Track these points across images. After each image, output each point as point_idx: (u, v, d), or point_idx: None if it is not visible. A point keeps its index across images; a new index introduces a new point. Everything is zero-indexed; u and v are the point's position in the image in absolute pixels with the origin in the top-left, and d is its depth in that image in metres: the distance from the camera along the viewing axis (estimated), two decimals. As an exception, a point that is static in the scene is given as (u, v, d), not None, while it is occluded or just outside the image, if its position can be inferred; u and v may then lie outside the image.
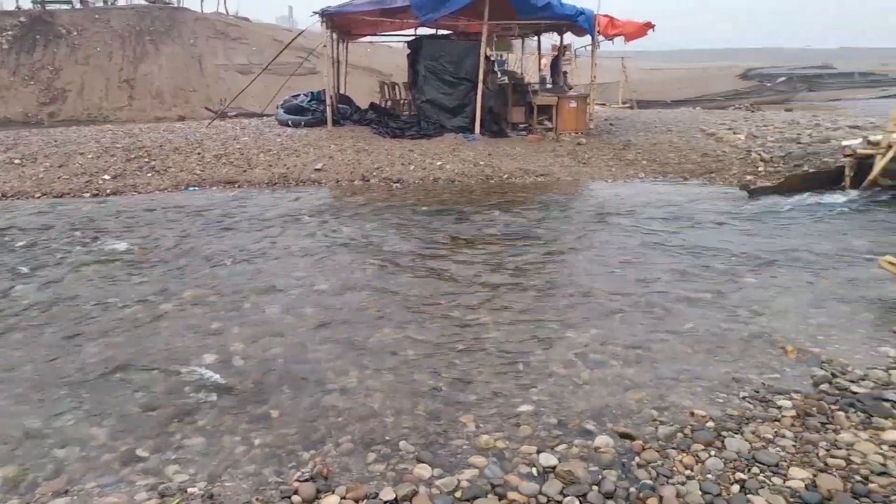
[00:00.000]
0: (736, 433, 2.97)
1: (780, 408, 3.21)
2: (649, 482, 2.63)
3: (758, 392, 3.42)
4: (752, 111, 17.50)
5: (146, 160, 10.81)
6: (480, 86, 12.42)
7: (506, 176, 10.45)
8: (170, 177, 10.17)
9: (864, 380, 3.50)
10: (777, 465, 2.68)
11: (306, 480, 2.73)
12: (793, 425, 3.03)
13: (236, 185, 9.99)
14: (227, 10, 32.43)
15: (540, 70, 17.37)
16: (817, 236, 6.88)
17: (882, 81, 37.14)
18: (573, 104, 13.23)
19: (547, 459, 2.81)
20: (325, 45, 13.08)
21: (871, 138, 9.05)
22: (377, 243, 6.78)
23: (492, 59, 14.11)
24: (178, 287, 5.45)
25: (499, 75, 14.55)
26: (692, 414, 3.20)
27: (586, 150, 11.97)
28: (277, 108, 14.59)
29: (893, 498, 2.40)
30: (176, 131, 13.25)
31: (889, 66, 47.44)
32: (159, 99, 27.67)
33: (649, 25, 13.06)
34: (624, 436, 3.00)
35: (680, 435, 2.99)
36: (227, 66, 29.32)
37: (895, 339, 4.14)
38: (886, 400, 3.19)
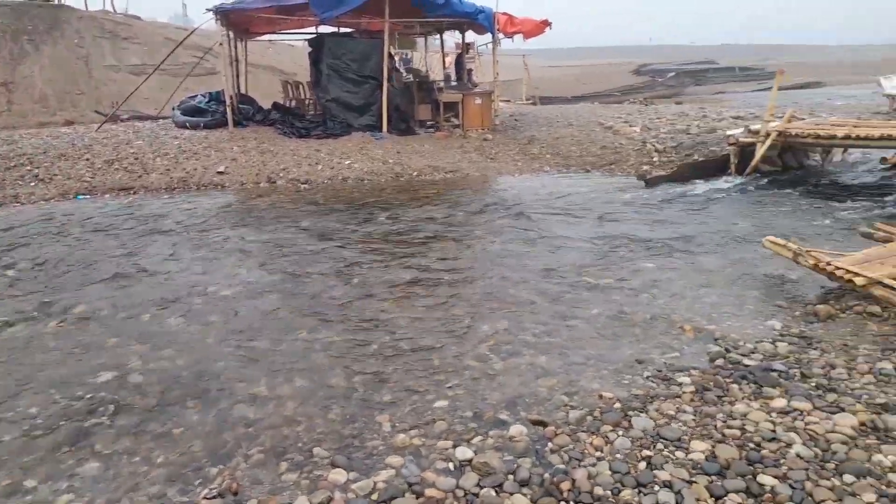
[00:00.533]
0: (641, 412, 3.10)
1: (680, 385, 3.38)
2: (562, 467, 2.69)
3: (660, 371, 3.59)
4: (646, 105, 18.40)
5: (28, 168, 10.01)
6: (385, 84, 12.35)
7: (415, 173, 10.46)
8: (56, 185, 9.47)
9: (754, 353, 3.74)
10: (679, 440, 2.81)
11: (214, 497, 2.61)
12: (692, 400, 3.19)
13: (131, 192, 9.44)
14: (114, 9, 30.47)
15: (445, 68, 17.49)
16: (708, 220, 7.32)
17: (759, 76, 40.00)
18: (478, 101, 13.41)
19: (463, 453, 2.82)
20: (220, 44, 12.57)
21: (752, 128, 9.73)
22: (285, 246, 6.59)
23: (396, 57, 14.06)
24: (69, 302, 5.07)
25: (404, 73, 14.52)
26: (600, 396, 3.31)
27: (493, 146, 12.16)
28: (174, 109, 13.90)
29: (782, 461, 2.58)
30: (61, 136, 12.34)
31: (766, 61, 51.24)
32: (42, 103, 25.62)
33: (546, 23, 13.44)
34: (537, 423, 3.06)
35: (589, 418, 3.09)
36: (118, 67, 27.60)
37: (780, 312, 4.46)
38: (774, 370, 3.42)
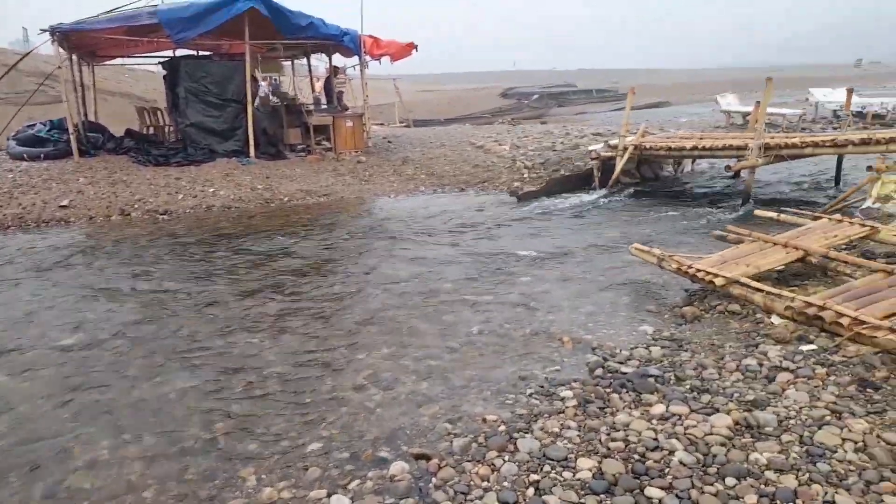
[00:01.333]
0: (526, 432, 2.98)
1: (563, 399, 3.31)
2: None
3: (542, 387, 3.50)
4: (514, 125, 19.03)
5: None
6: (250, 107, 11.79)
7: (286, 199, 10.01)
8: None
9: (630, 360, 3.77)
10: (566, 459, 2.71)
11: None
12: (576, 415, 3.12)
13: (-49, 234, 8.24)
14: (-60, 33, 27.13)
15: (314, 92, 17.10)
16: (578, 232, 7.53)
17: (614, 97, 42.98)
18: (349, 123, 13.17)
19: (339, 502, 2.54)
20: (60, 67, 11.44)
21: (611, 143, 10.25)
22: (139, 283, 5.96)
23: (264, 81, 13.51)
24: None
25: (270, 97, 13.99)
26: (484, 420, 3.16)
27: (367, 168, 11.96)
28: (8, 140, 12.43)
29: (667, 470, 2.54)
30: None
31: (619, 84, 55.25)
32: None
33: (412, 46, 13.51)
34: (419, 457, 2.84)
35: (474, 445, 2.92)
36: (-56, 96, 24.58)
37: (651, 317, 4.58)
38: (650, 376, 3.45)
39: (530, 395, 3.43)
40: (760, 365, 3.44)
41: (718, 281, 4.45)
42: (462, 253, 6.68)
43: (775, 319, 4.00)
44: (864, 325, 3.42)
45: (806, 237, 4.99)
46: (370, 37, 12.85)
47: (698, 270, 4.66)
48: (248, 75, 11.69)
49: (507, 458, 2.77)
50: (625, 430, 2.89)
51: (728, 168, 7.86)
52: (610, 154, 10.09)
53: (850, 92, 8.92)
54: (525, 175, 11.10)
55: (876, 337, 3.33)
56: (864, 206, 6.38)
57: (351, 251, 7.06)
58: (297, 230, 8.08)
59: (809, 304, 3.80)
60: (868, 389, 3.03)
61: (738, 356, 3.61)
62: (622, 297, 5.06)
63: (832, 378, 3.19)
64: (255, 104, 12.02)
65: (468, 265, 6.21)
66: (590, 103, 42.27)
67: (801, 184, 9.86)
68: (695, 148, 8.92)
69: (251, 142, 11.90)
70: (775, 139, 7.95)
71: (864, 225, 5.03)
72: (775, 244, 4.92)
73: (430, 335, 4.45)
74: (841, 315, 3.57)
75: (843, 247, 4.98)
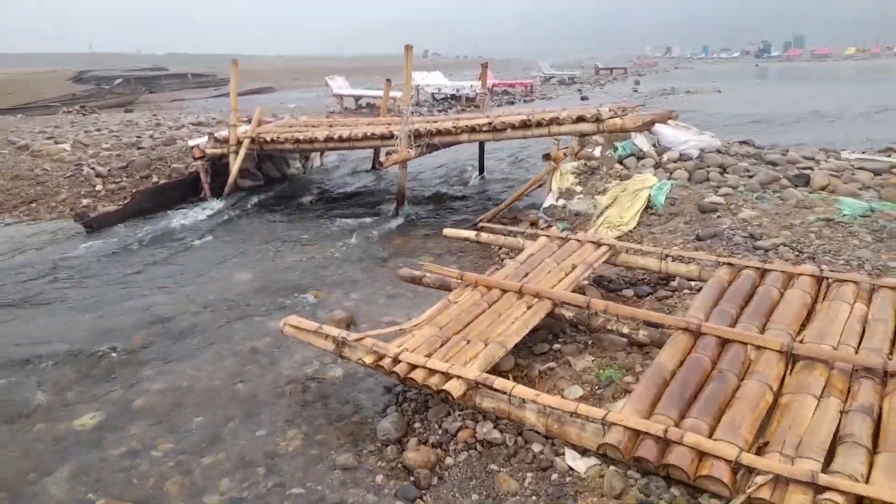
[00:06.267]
0: None
1: None
2: None
3: None
4: (84, 114, 14.58)
5: None
6: None
7: None
8: None
9: None
10: None
11: None
12: None
13: None
14: None
15: None
16: (189, 279, 4.85)
17: (213, 82, 39.24)
18: None
19: None
20: None
21: (218, 135, 7.63)
22: None
23: None
24: None
25: None
26: None
27: None
28: None
29: None
30: None
31: (215, 69, 51.24)
32: None
33: None
34: None
35: None
36: None
37: (341, 490, 2.36)
38: None
39: None
40: None
41: (454, 389, 2.46)
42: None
43: (580, 464, 2.18)
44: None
45: (538, 274, 3.36)
46: None
47: (413, 367, 2.61)
48: None
49: None
50: None
51: (379, 164, 6.12)
52: (220, 150, 7.48)
53: (485, 67, 8.08)
54: (99, 187, 7.66)
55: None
56: (545, 205, 5.25)
57: None
58: None
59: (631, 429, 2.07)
60: None
61: None
62: (277, 438, 2.72)
63: None
64: None
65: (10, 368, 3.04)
66: (187, 89, 37.85)
67: (448, 177, 8.71)
68: (330, 139, 6.97)
69: None
70: (425, 125, 6.51)
71: (598, 244, 3.66)
72: (503, 291, 3.17)
73: None
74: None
75: (586, 279, 3.52)
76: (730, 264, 3.21)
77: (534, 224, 5.50)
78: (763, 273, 3.11)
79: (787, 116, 14.21)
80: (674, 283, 3.52)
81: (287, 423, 2.80)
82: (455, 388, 2.46)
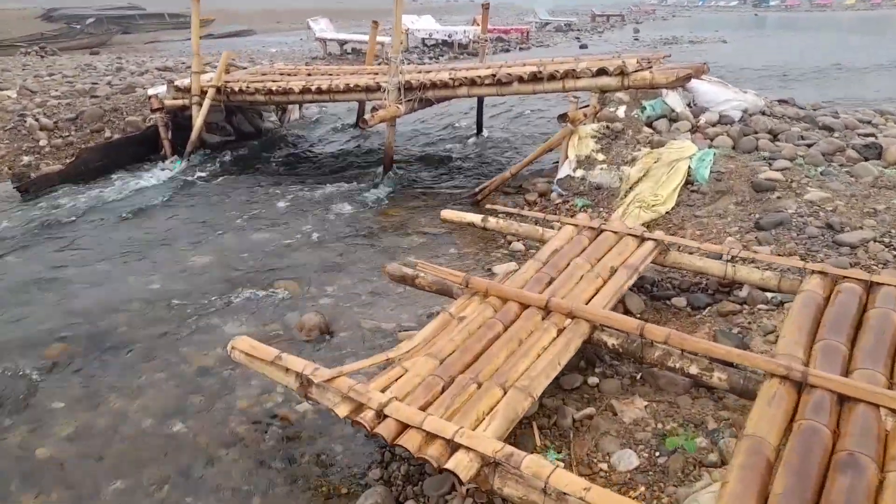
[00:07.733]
0: None
1: None
2: None
3: None
4: (43, 56, 13.35)
5: None
6: None
7: None
8: None
9: None
10: None
11: None
12: None
13: None
14: None
15: None
16: (135, 265, 4.03)
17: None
18: None
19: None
20: None
21: (179, 83, 6.66)
22: None
23: None
24: None
25: None
26: None
27: None
28: None
29: None
30: None
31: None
32: None
33: None
34: None
35: None
36: None
37: None
38: None
39: None
40: None
41: (463, 468, 1.71)
42: None
43: None
44: None
45: (567, 281, 2.57)
46: None
47: (405, 426, 1.86)
48: None
49: None
50: None
51: (363, 123, 5.24)
52: (181, 101, 6.53)
53: (485, 8, 7.06)
54: (43, 142, 6.71)
55: None
56: (560, 175, 4.43)
57: None
58: None
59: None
60: None
61: None
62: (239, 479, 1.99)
63: None
64: None
65: None
66: (164, 30, 35.86)
67: (442, 135, 7.76)
68: (307, 90, 6.05)
69: None
70: (417, 77, 5.60)
71: (641, 238, 2.87)
72: (524, 305, 2.40)
73: None
74: None
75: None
76: (823, 273, 2.44)
77: (543, 195, 4.71)
78: (870, 287, 2.36)
79: (804, 68, 13.26)
80: (740, 292, 2.76)
81: (234, 493, 2.07)
82: (464, 467, 1.72)
